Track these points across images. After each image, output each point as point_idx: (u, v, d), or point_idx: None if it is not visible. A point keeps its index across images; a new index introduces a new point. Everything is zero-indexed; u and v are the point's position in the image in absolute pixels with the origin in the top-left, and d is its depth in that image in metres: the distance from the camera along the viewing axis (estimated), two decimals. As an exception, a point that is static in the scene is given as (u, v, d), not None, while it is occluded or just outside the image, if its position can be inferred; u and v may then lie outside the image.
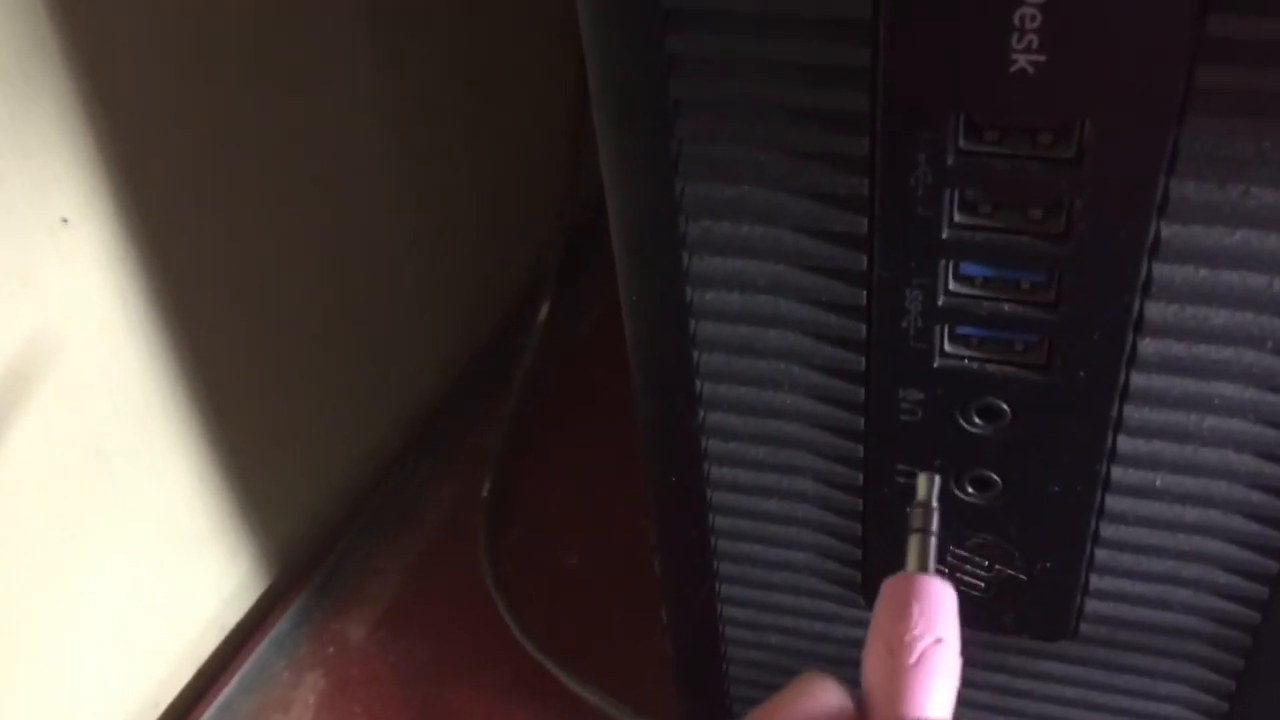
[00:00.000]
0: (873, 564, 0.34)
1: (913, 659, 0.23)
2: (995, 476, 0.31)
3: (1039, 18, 0.23)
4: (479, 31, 0.56)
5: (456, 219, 0.58)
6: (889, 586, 0.24)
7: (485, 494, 0.54)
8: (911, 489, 0.31)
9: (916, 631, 0.23)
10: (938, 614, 0.23)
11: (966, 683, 0.32)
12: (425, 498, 0.55)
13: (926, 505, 0.26)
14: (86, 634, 0.44)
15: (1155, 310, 0.27)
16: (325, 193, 0.49)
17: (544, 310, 0.58)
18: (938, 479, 0.26)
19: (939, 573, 0.25)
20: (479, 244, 0.60)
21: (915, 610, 0.23)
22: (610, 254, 0.30)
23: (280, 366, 0.49)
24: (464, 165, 0.57)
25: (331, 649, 0.49)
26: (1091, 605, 0.33)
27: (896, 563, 0.33)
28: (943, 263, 0.27)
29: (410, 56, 0.52)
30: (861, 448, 0.31)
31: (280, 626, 0.50)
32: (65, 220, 0.37)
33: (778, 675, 0.28)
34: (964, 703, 0.27)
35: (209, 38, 0.41)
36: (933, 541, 0.25)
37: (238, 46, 0.43)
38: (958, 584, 0.32)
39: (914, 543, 0.25)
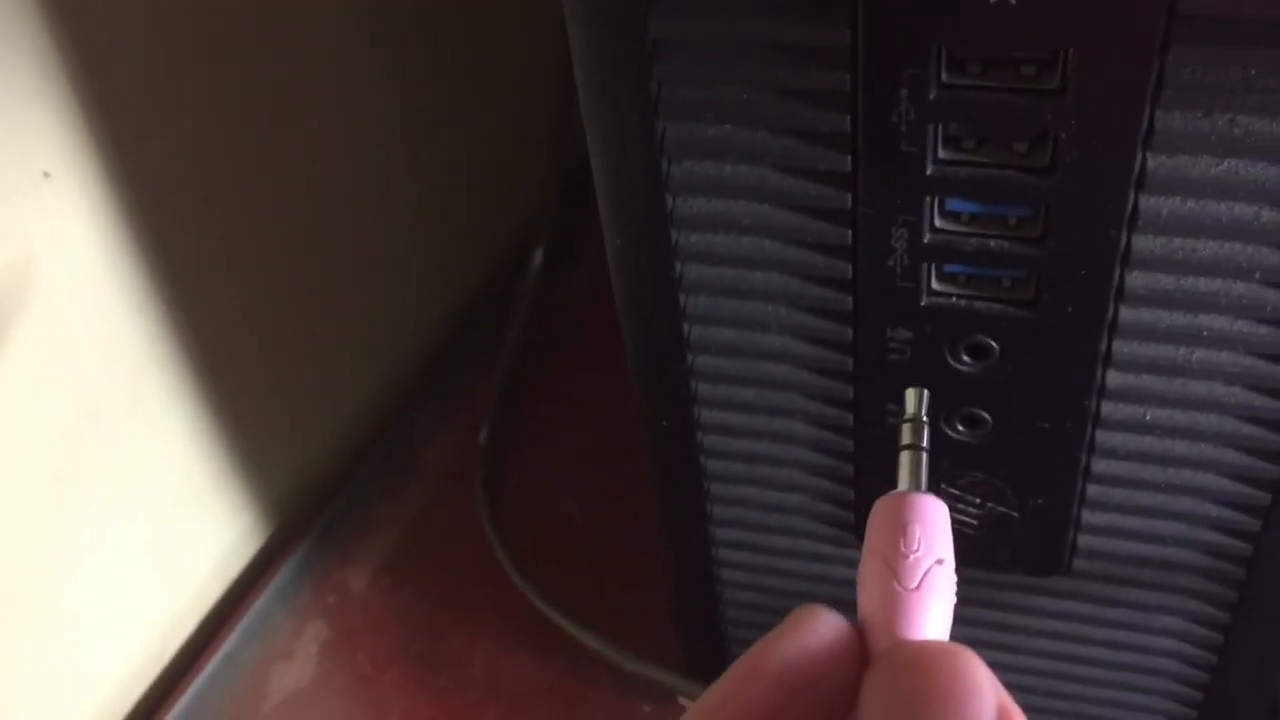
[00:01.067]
0: (865, 504, 0.34)
1: (915, 582, 0.22)
2: (985, 414, 0.30)
3: (1019, -54, 0.22)
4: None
5: (450, 167, 0.58)
6: (883, 505, 0.23)
7: (483, 442, 0.54)
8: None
9: (919, 553, 0.22)
10: (937, 534, 0.22)
11: (961, 619, 0.32)
12: (424, 447, 0.55)
13: (916, 420, 0.25)
14: (90, 589, 0.44)
15: (1142, 243, 0.26)
16: (316, 142, 0.49)
17: (538, 256, 0.58)
18: (926, 393, 0.25)
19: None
20: (473, 191, 0.60)
21: (916, 531, 0.22)
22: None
23: (276, 318, 0.49)
24: (457, 112, 0.57)
25: (333, 598, 0.50)
26: (1084, 540, 0.33)
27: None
28: (928, 199, 0.27)
29: (402, 3, 0.51)
30: (851, 388, 0.31)
31: (282, 576, 0.50)
32: (47, 174, 0.37)
33: (774, 617, 0.28)
34: (959, 638, 0.27)
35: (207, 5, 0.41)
36: (924, 458, 0.24)
37: (235, 4, 0.42)
38: (951, 522, 0.33)
39: (905, 459, 0.24)
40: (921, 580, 0.22)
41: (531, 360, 0.57)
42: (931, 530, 0.22)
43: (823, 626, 0.22)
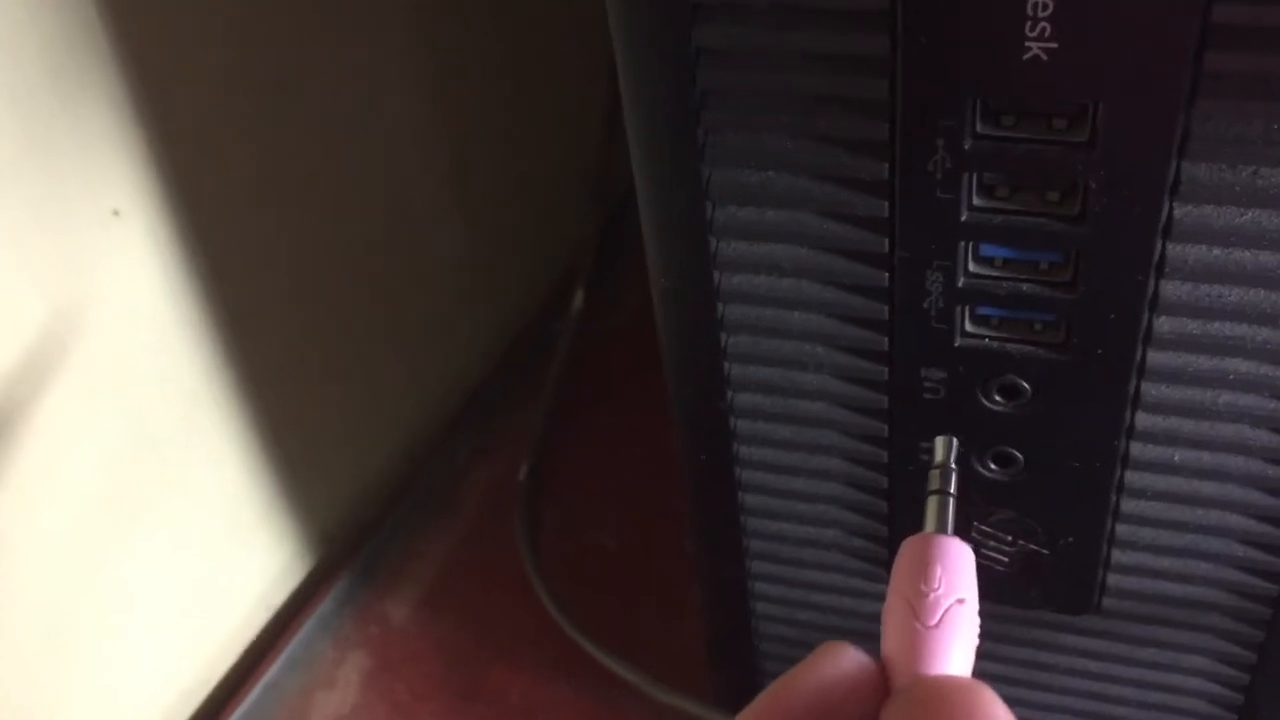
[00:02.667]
0: (899, 540, 0.35)
1: (934, 620, 0.23)
2: (1017, 453, 0.31)
3: (1051, 6, 0.23)
4: (517, 20, 0.57)
5: (494, 206, 0.59)
6: (909, 546, 0.24)
7: (523, 477, 0.55)
8: (935, 466, 0.32)
9: (940, 592, 0.23)
10: (959, 574, 0.23)
11: (992, 656, 0.33)
12: (464, 481, 0.56)
13: (945, 467, 0.26)
14: (138, 617, 0.45)
15: (1170, 289, 0.27)
16: (368, 185, 0.50)
17: (580, 295, 0.59)
18: (955, 441, 0.26)
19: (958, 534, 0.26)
20: (517, 230, 0.61)
21: (937, 570, 0.23)
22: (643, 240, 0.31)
23: (324, 353, 0.51)
24: (502, 153, 0.59)
25: (374, 629, 0.51)
26: (1113, 579, 0.34)
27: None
28: (962, 244, 0.28)
29: (451, 47, 0.53)
30: (886, 426, 0.32)
31: (324, 607, 0.51)
32: (117, 212, 0.39)
33: (807, 650, 0.29)
34: (989, 676, 0.28)
35: (259, 34, 0.43)
36: (951, 503, 0.25)
37: (287, 44, 0.44)
38: (982, 559, 0.33)
39: (933, 504, 0.25)
40: (941, 618, 0.23)
41: (571, 398, 0.58)
42: (953, 570, 0.24)
43: (845, 661, 0.23)
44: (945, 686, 0.22)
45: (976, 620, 0.24)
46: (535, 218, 0.62)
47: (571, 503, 0.55)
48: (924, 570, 0.23)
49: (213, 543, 0.48)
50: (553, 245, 0.63)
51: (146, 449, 0.43)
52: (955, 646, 0.23)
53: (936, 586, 0.23)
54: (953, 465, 0.26)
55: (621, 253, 0.60)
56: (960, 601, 0.23)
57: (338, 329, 0.51)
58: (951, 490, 0.26)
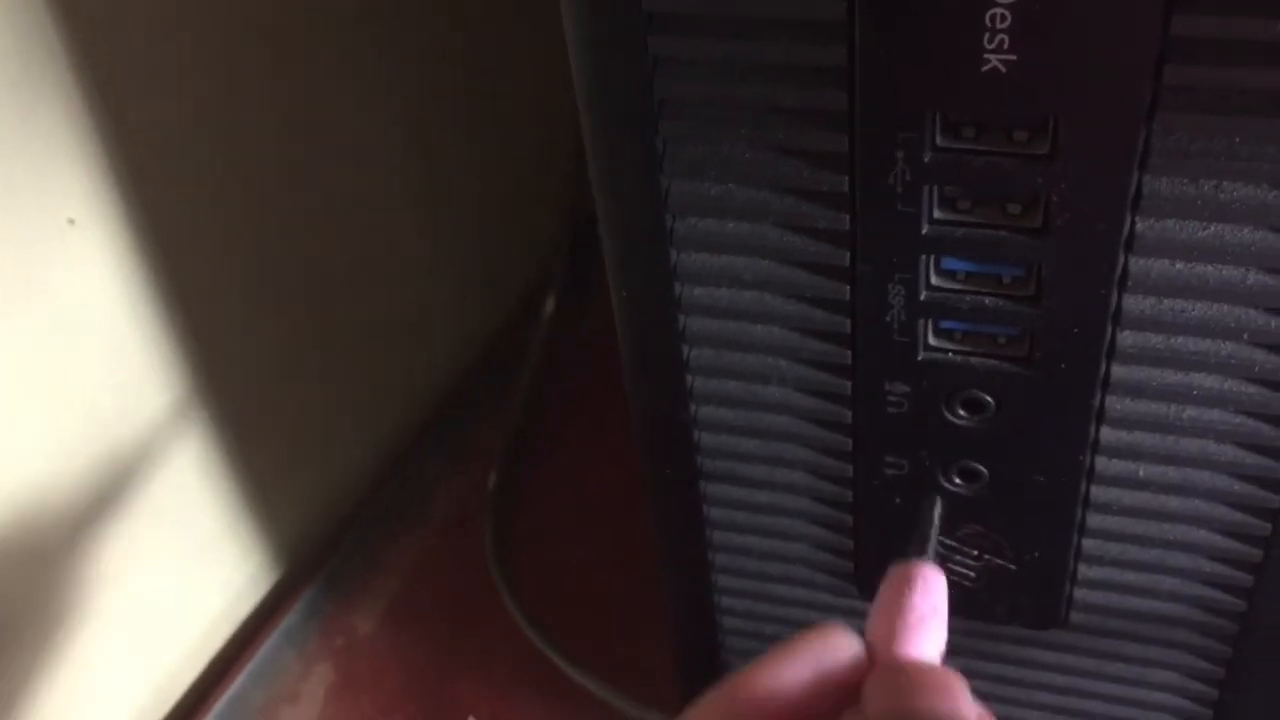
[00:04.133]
0: (865, 553, 0.34)
1: (912, 618, 0.26)
2: (981, 467, 0.31)
3: (1009, 17, 0.23)
4: (485, 28, 0.57)
5: (463, 215, 0.59)
6: (891, 571, 0.27)
7: (491, 488, 0.54)
8: (900, 480, 0.32)
9: (915, 601, 0.26)
10: (934, 591, 0.27)
11: (961, 671, 0.33)
12: (432, 493, 0.56)
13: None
14: (101, 630, 0.44)
15: (1133, 303, 0.27)
16: (333, 191, 0.50)
17: (550, 305, 0.59)
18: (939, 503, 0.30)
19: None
20: (486, 240, 0.61)
21: (918, 586, 0.27)
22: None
23: (288, 363, 0.50)
24: (471, 161, 0.58)
25: (340, 641, 0.50)
26: (1081, 594, 0.33)
27: (888, 552, 0.34)
28: (924, 258, 0.28)
29: (417, 52, 0.53)
30: (850, 440, 0.32)
31: (290, 619, 0.51)
32: (72, 221, 0.38)
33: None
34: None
35: (219, 40, 0.42)
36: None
37: (247, 49, 0.43)
38: (949, 573, 0.33)
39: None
40: (917, 619, 0.26)
41: (541, 408, 0.58)
42: (930, 588, 0.27)
43: (841, 644, 0.26)
44: (925, 666, 0.25)
45: (944, 635, 0.27)
46: (506, 227, 0.62)
47: (540, 514, 0.54)
48: (902, 587, 0.27)
49: (177, 557, 0.47)
50: (524, 254, 0.63)
51: (105, 461, 0.43)
52: (928, 641, 0.26)
53: (914, 597, 0.27)
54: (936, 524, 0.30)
55: (594, 261, 0.60)
56: (935, 610, 0.27)
57: (303, 339, 0.50)
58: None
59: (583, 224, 0.60)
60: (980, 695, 0.37)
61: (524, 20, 0.59)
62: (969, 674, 0.36)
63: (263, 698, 0.49)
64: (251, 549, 0.51)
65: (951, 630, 0.35)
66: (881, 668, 0.26)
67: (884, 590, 0.27)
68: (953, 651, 0.36)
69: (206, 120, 0.43)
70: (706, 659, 0.40)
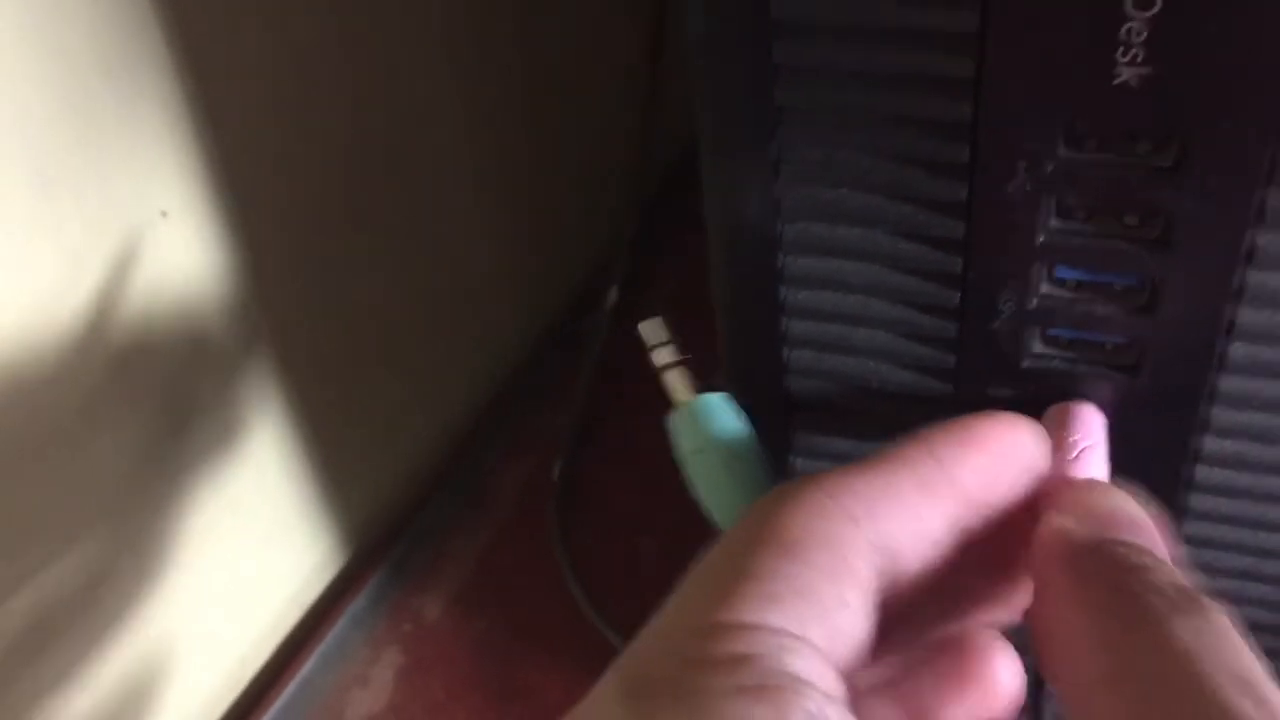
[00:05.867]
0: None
1: (1074, 455, 0.28)
2: (1080, 473, 0.31)
3: (1145, 32, 0.23)
4: (550, 20, 0.57)
5: (528, 204, 0.59)
6: (1053, 410, 0.29)
7: (555, 476, 0.55)
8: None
9: (1078, 437, 0.28)
10: (1094, 428, 0.29)
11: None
12: (497, 480, 0.56)
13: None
14: (175, 613, 0.45)
15: (1247, 316, 0.27)
16: (403, 184, 0.50)
17: (613, 294, 0.59)
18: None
19: None
20: (550, 228, 0.61)
21: (1077, 424, 0.29)
22: (680, 239, 0.31)
23: (360, 354, 0.50)
24: (536, 150, 0.58)
25: (408, 626, 0.51)
26: (1170, 599, 0.34)
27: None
28: (1036, 266, 0.28)
29: (483, 45, 0.53)
30: (948, 443, 0.32)
31: (358, 604, 0.51)
32: (165, 213, 0.39)
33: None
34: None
35: (300, 45, 0.42)
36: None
37: (326, 52, 0.44)
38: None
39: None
40: (1079, 454, 0.28)
41: (605, 397, 0.58)
42: (1088, 424, 0.29)
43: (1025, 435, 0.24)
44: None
45: (1106, 465, 0.28)
46: (570, 213, 0.62)
47: (605, 502, 0.55)
48: (1064, 423, 0.29)
49: (250, 543, 0.48)
50: (587, 243, 0.63)
51: (186, 450, 0.43)
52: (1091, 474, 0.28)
53: (1074, 433, 0.28)
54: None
55: (658, 249, 0.60)
56: (1093, 445, 0.28)
57: (371, 329, 0.51)
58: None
59: (646, 211, 0.60)
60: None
61: (593, 8, 0.59)
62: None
63: (333, 681, 0.49)
64: (320, 535, 0.51)
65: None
66: (1077, 486, 0.24)
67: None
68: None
69: (290, 120, 0.43)
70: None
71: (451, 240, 0.54)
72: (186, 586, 0.45)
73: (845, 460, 0.33)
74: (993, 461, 0.23)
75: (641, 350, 0.59)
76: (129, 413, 0.40)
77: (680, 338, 0.32)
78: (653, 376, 0.57)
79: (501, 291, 0.59)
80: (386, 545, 0.53)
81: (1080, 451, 0.28)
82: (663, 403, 0.56)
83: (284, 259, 0.45)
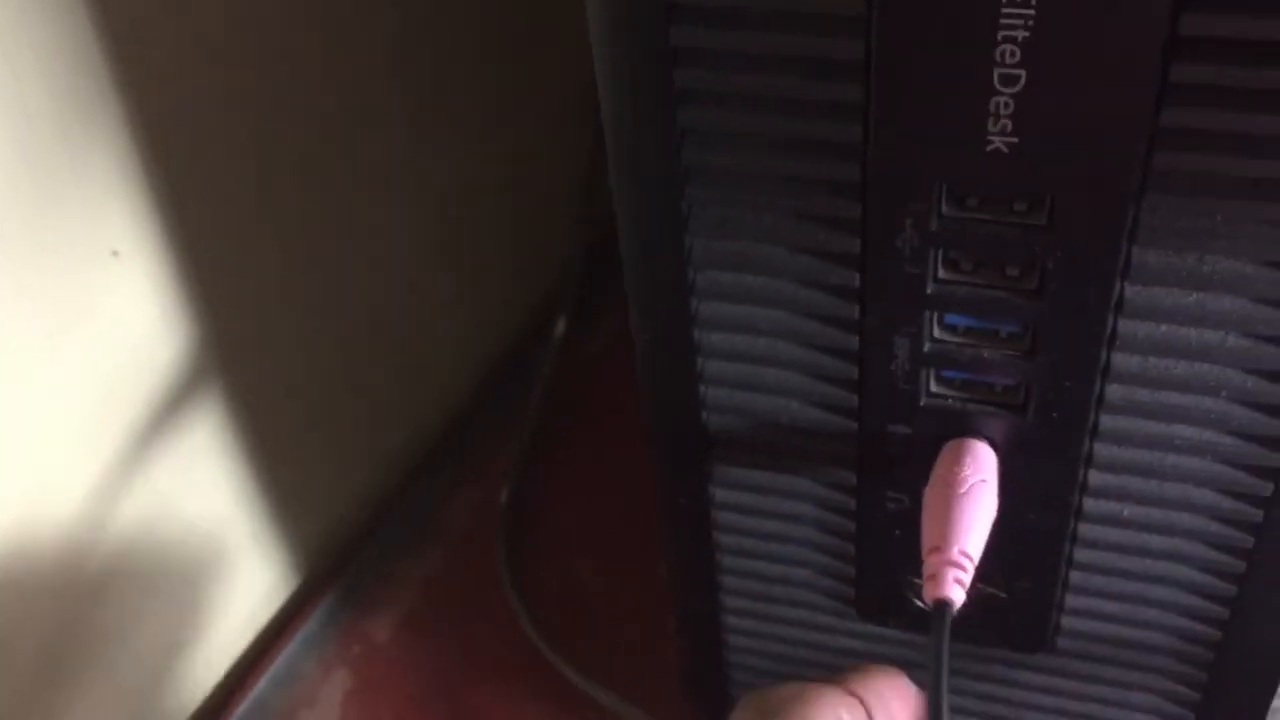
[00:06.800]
0: (865, 581, 0.37)
1: (963, 489, 0.30)
2: (977, 505, 0.33)
3: (1012, 105, 0.25)
4: (502, 51, 0.59)
5: (478, 234, 0.61)
6: (948, 447, 0.31)
7: (504, 502, 0.56)
8: (900, 514, 0.34)
9: (967, 472, 0.30)
10: (985, 464, 0.31)
11: (952, 690, 0.35)
12: (447, 506, 0.58)
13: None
14: (126, 637, 0.46)
15: (1121, 360, 0.29)
16: (356, 216, 0.52)
17: (562, 323, 0.61)
18: None
19: None
20: (500, 258, 0.63)
21: (968, 460, 0.31)
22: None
23: (313, 382, 0.52)
24: (485, 181, 0.60)
25: (357, 648, 0.52)
26: (1067, 621, 0.36)
27: (886, 579, 0.36)
28: (927, 313, 0.30)
29: (436, 79, 0.54)
30: (855, 476, 0.34)
31: (309, 626, 0.53)
32: (116, 253, 0.40)
33: (778, 681, 0.31)
34: (950, 709, 0.30)
35: (254, 79, 0.44)
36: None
37: (280, 89, 0.45)
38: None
39: None
40: (968, 489, 0.30)
41: (553, 425, 0.60)
42: (980, 460, 0.31)
43: None
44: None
45: (995, 501, 0.31)
46: (520, 243, 0.64)
47: (552, 528, 0.56)
48: (957, 458, 0.31)
49: (204, 567, 0.49)
50: (537, 273, 0.65)
51: (141, 479, 0.45)
52: (977, 516, 0.30)
53: (965, 469, 0.30)
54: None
55: (604, 283, 0.62)
56: (983, 480, 0.30)
57: (325, 357, 0.52)
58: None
59: (594, 246, 0.62)
60: (968, 713, 0.39)
61: (544, 42, 0.61)
62: (959, 693, 0.39)
63: (283, 702, 0.51)
64: (272, 558, 0.53)
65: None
66: None
67: (937, 467, 0.31)
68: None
69: (244, 156, 0.45)
70: (712, 674, 0.42)
71: (403, 272, 0.56)
72: (141, 608, 0.47)
73: (763, 492, 0.36)
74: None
75: (591, 378, 0.61)
76: (90, 447, 0.42)
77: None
78: (600, 406, 0.59)
79: (453, 321, 0.61)
80: (338, 569, 0.55)
81: (970, 486, 0.30)
82: (611, 432, 0.58)
83: (236, 293, 0.46)
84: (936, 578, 0.29)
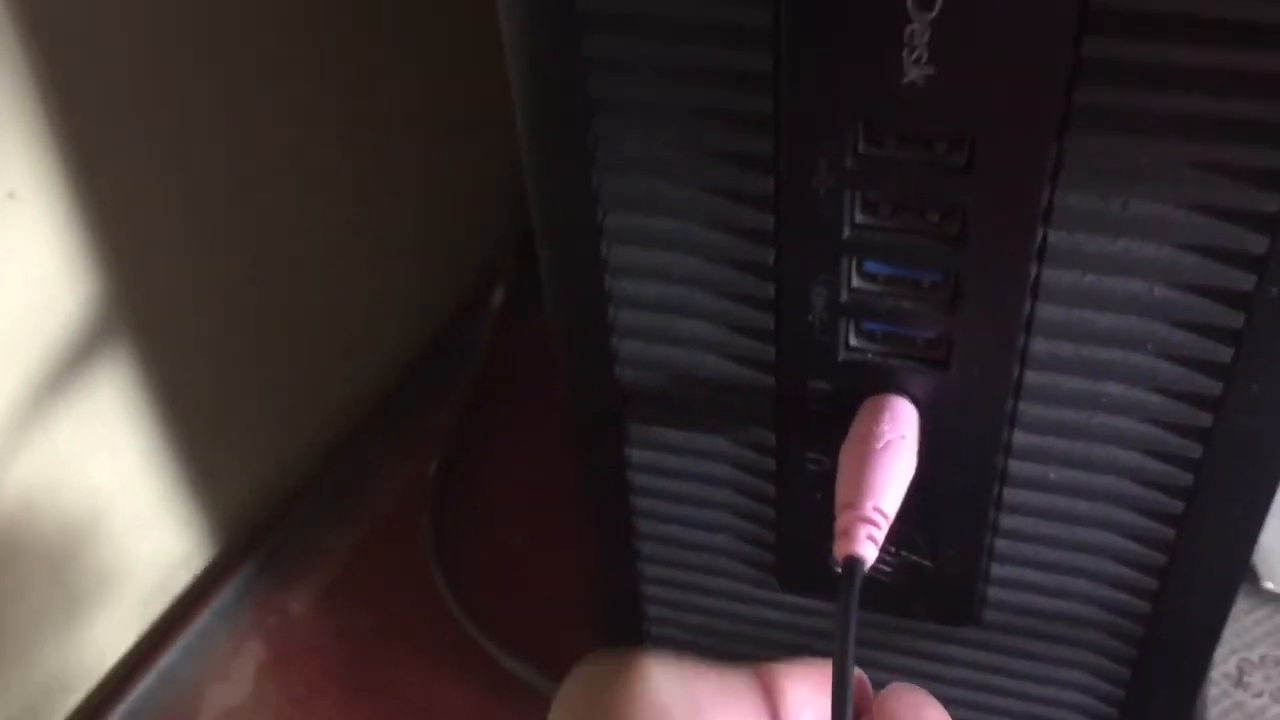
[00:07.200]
0: (785, 548, 0.35)
1: (880, 445, 0.29)
2: (899, 466, 0.32)
3: (927, 34, 0.24)
4: (434, 23, 0.57)
5: (415, 204, 0.59)
6: (867, 404, 0.30)
7: (433, 473, 0.55)
8: (821, 476, 0.33)
9: (885, 428, 0.29)
10: (904, 420, 0.29)
11: (877, 665, 0.34)
12: (376, 477, 0.56)
13: None
14: (33, 600, 0.45)
15: (1045, 311, 0.28)
16: (278, 176, 0.50)
17: (499, 296, 0.59)
18: None
19: None
20: (436, 230, 0.61)
21: (887, 415, 0.29)
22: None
23: (233, 341, 0.50)
24: (422, 150, 0.58)
25: (273, 619, 0.51)
26: (994, 593, 0.34)
27: (808, 546, 0.35)
28: (845, 260, 0.28)
29: (363, 47, 0.53)
30: (774, 435, 0.33)
31: (224, 596, 0.51)
32: (12, 194, 0.38)
33: (698, 653, 0.29)
34: (876, 685, 0.29)
35: (167, 24, 0.42)
36: None
37: (195, 37, 0.44)
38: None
39: None
40: (885, 444, 0.29)
41: (488, 399, 0.58)
42: (900, 417, 0.29)
43: None
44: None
45: (914, 460, 0.29)
46: (456, 217, 0.62)
47: (481, 502, 0.55)
48: (876, 414, 0.29)
49: (110, 528, 0.47)
50: (475, 246, 0.63)
51: (41, 435, 0.43)
52: (894, 473, 0.29)
53: (884, 424, 0.29)
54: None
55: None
56: (902, 437, 0.29)
57: (248, 318, 0.51)
58: None
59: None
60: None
61: (473, 14, 0.59)
62: (887, 669, 0.37)
63: (193, 673, 0.49)
64: (188, 525, 0.51)
65: (869, 625, 0.36)
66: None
67: (857, 422, 0.30)
68: (871, 646, 0.37)
69: (152, 101, 0.43)
70: (632, 645, 0.41)
71: (339, 235, 0.54)
72: (46, 573, 0.45)
73: (679, 452, 0.34)
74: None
75: (527, 351, 0.60)
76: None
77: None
78: (535, 380, 0.57)
79: (387, 291, 0.59)
80: (259, 538, 0.53)
81: (887, 441, 0.29)
82: (547, 406, 0.57)
83: (145, 244, 0.45)
84: (848, 534, 0.28)
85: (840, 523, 0.28)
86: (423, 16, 0.56)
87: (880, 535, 0.28)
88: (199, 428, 0.50)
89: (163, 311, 0.46)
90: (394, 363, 0.60)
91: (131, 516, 0.48)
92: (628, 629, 0.40)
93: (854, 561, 0.28)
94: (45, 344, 0.42)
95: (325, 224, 0.54)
